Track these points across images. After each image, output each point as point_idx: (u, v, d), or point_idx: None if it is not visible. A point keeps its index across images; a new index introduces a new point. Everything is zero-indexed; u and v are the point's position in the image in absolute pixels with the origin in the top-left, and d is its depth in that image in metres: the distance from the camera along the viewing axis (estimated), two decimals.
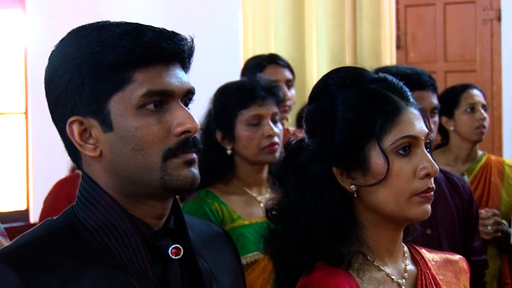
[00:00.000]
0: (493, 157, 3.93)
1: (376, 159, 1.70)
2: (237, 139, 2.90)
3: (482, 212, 3.52)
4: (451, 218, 3.02)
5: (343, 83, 1.76)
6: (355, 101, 1.73)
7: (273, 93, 2.93)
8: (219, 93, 2.98)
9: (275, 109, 2.92)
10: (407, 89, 1.78)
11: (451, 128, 3.82)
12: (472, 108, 3.81)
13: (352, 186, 1.73)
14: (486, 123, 3.84)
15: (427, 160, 1.71)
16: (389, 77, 1.78)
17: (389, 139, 1.70)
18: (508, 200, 3.78)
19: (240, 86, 2.97)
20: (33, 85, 5.94)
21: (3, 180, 7.48)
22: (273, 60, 4.09)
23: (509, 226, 3.60)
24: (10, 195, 7.37)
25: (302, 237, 1.73)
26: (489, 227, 3.58)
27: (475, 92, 3.88)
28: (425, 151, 1.73)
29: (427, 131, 1.74)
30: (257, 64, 4.04)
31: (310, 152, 1.76)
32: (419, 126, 1.73)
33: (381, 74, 1.79)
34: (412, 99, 1.77)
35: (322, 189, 1.73)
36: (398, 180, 1.70)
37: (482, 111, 3.83)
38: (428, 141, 1.75)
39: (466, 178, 3.58)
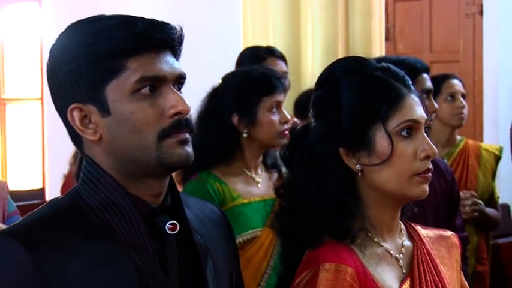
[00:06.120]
0: (470, 142, 3.93)
1: (381, 141, 1.71)
2: (257, 124, 2.86)
3: (461, 193, 3.53)
4: (436, 198, 3.02)
5: (349, 70, 1.76)
6: (361, 87, 1.73)
7: (282, 83, 2.94)
8: (240, 79, 2.93)
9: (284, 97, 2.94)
10: (408, 78, 1.79)
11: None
12: (453, 96, 3.83)
13: (358, 166, 1.73)
14: (465, 110, 3.84)
15: (427, 143, 1.72)
16: (392, 67, 1.79)
17: (394, 122, 1.71)
18: (484, 181, 3.79)
19: (262, 73, 2.93)
20: None
21: (21, 161, 7.50)
22: (271, 52, 4.09)
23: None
24: (27, 175, 7.40)
25: (310, 213, 1.73)
26: (467, 207, 3.60)
27: (455, 81, 3.88)
28: (425, 135, 1.74)
29: (426, 116, 1.75)
30: (257, 55, 4.01)
31: (317, 135, 1.76)
32: (420, 111, 1.74)
33: (384, 64, 1.80)
34: (412, 87, 1.78)
35: (330, 168, 1.73)
36: (401, 161, 1.71)
37: (462, 99, 3.84)
38: (427, 126, 1.76)
39: (446, 161, 3.59)
